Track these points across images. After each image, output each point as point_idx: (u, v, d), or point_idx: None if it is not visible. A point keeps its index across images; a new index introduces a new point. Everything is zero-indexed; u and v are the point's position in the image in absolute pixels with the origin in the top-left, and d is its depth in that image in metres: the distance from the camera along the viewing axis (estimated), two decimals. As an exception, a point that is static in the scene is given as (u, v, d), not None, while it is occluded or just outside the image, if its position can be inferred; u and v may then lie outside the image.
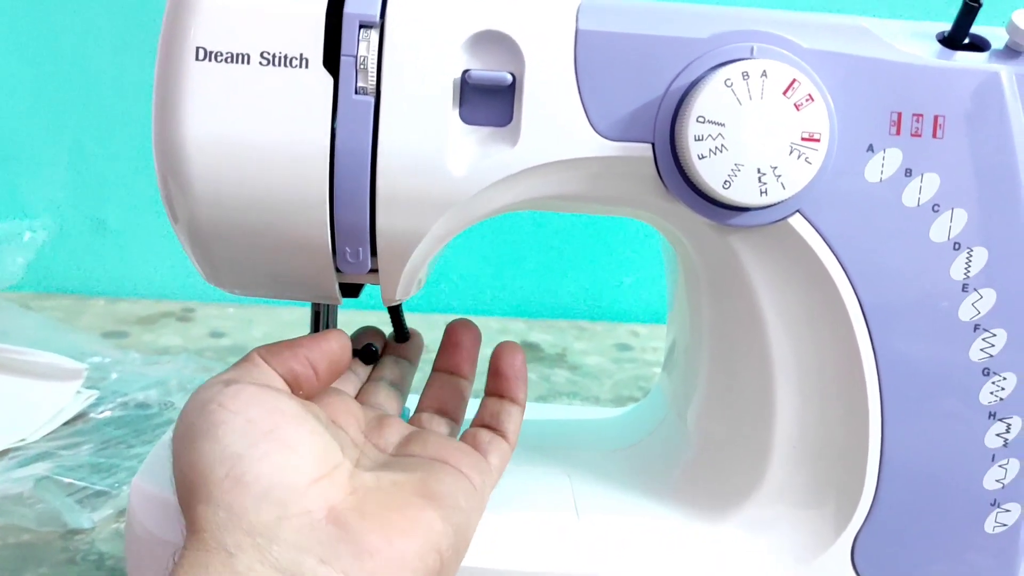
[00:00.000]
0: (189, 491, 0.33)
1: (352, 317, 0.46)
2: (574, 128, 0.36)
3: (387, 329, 0.46)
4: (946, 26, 0.38)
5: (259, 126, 0.34)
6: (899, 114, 0.37)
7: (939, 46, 0.38)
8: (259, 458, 0.32)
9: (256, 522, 0.31)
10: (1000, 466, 0.39)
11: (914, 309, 0.38)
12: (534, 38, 0.35)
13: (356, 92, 0.34)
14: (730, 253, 0.38)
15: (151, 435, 0.60)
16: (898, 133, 0.37)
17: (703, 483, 0.43)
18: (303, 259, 0.36)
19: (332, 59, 0.34)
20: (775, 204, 0.36)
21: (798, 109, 0.35)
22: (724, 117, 0.35)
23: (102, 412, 0.63)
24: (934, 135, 0.37)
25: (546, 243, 0.92)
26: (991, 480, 0.39)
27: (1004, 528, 0.39)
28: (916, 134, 0.37)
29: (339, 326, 0.42)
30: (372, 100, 0.35)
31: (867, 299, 0.38)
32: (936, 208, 0.37)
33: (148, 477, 0.41)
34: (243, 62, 0.34)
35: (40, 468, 0.55)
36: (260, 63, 0.34)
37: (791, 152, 0.35)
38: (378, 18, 0.35)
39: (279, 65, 0.34)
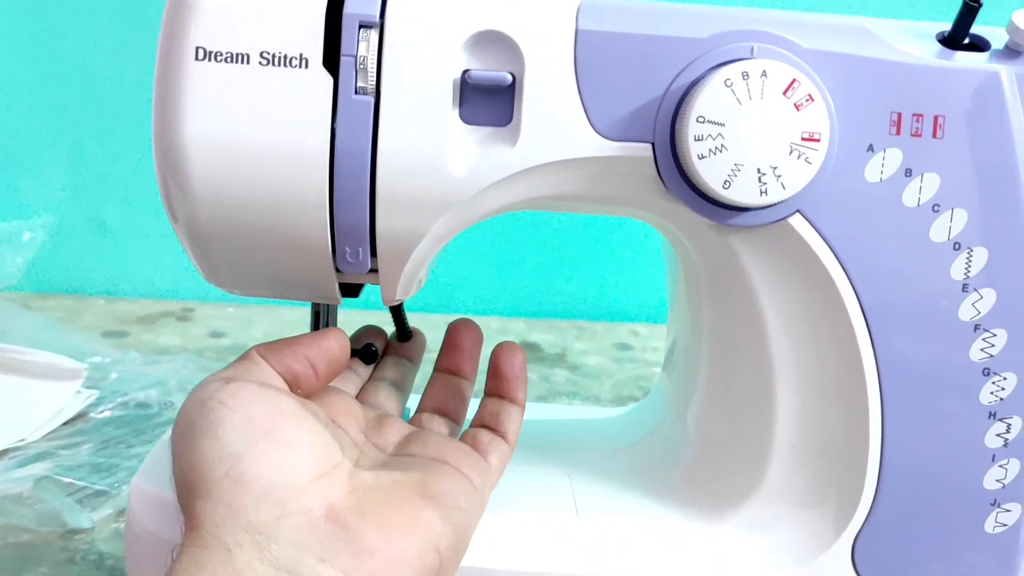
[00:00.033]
0: (188, 489, 0.33)
1: (352, 317, 0.46)
2: (574, 128, 0.36)
3: (389, 328, 0.46)
4: (946, 26, 0.38)
5: (259, 126, 0.34)
6: (899, 114, 0.37)
7: (939, 46, 0.38)
8: (258, 457, 0.32)
9: (255, 520, 0.31)
10: (1000, 466, 0.39)
11: (914, 309, 0.38)
12: (534, 38, 0.35)
13: (356, 92, 0.34)
14: (730, 253, 0.38)
15: (151, 435, 0.60)
16: (898, 133, 0.37)
17: (703, 483, 0.43)
18: (303, 259, 0.36)
19: (332, 59, 0.34)
20: (775, 204, 0.36)
21: (798, 109, 0.35)
22: (724, 117, 0.35)
23: (102, 412, 0.63)
24: (934, 135, 0.37)
25: (546, 243, 0.92)
26: (991, 480, 0.39)
27: (1004, 528, 0.39)
28: (916, 134, 0.37)
29: (339, 326, 0.42)
30: (372, 100, 0.35)
31: (867, 299, 0.38)
32: (936, 208, 0.37)
33: (148, 477, 0.41)
34: (243, 62, 0.34)
35: (40, 468, 0.55)
36: (260, 63, 0.34)
37: (791, 152, 0.35)
38: (378, 18, 0.34)
39: (279, 65, 0.34)
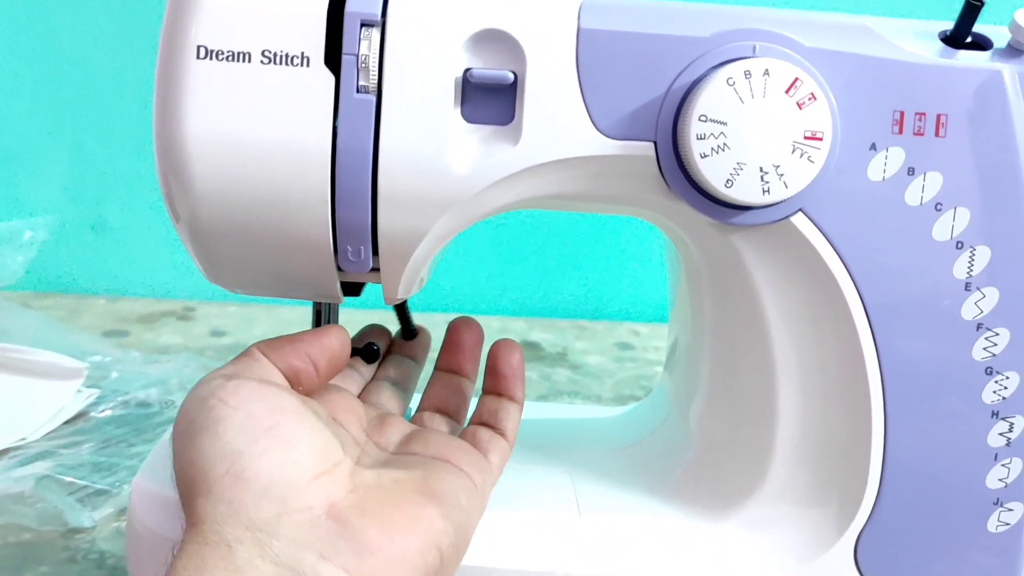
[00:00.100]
0: (189, 486, 0.33)
1: (353, 316, 0.46)
2: (576, 127, 0.36)
3: (392, 327, 0.46)
4: (948, 25, 0.38)
5: (260, 125, 0.34)
6: (902, 113, 0.37)
7: (942, 45, 0.38)
8: (259, 454, 0.32)
9: (256, 517, 0.31)
10: (1003, 465, 0.39)
11: (917, 308, 0.37)
12: (536, 37, 0.35)
13: (357, 91, 0.34)
14: (732, 252, 0.38)
15: (152, 434, 0.60)
16: (901, 132, 0.37)
17: (705, 482, 0.43)
18: (304, 258, 0.36)
19: (333, 58, 0.34)
20: (777, 203, 0.36)
21: (800, 108, 0.35)
22: (726, 116, 0.35)
23: (103, 411, 0.63)
24: (937, 134, 0.37)
25: (547, 242, 0.92)
26: (994, 479, 0.39)
27: (1007, 527, 0.39)
28: (919, 133, 0.37)
29: (340, 325, 0.42)
30: (373, 99, 0.34)
31: (869, 298, 0.38)
32: (939, 207, 0.37)
33: (149, 476, 0.41)
34: (244, 61, 0.34)
35: (41, 467, 0.55)
36: (261, 62, 0.34)
37: (793, 151, 0.35)
38: (379, 17, 0.34)
39: (280, 64, 0.34)
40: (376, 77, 0.34)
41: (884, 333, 0.38)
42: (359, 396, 0.43)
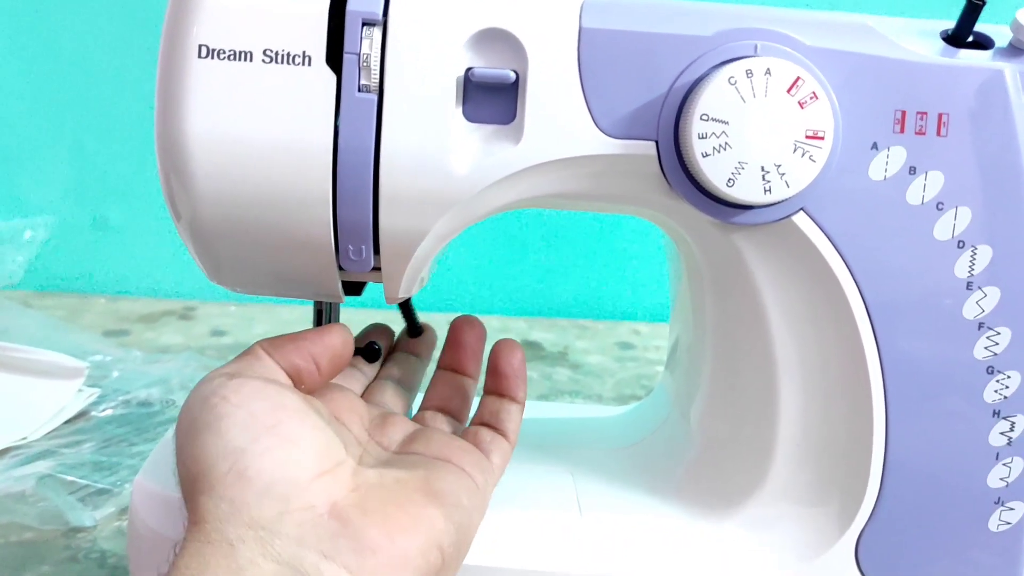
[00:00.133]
0: (192, 484, 0.33)
1: (354, 315, 0.46)
2: (577, 126, 0.36)
3: (395, 326, 0.46)
4: (950, 24, 0.38)
5: (262, 124, 0.34)
6: (903, 112, 0.37)
7: (943, 44, 0.38)
8: (261, 453, 0.32)
9: (258, 516, 0.31)
10: (1004, 464, 0.39)
11: (918, 307, 0.37)
12: (537, 36, 0.35)
13: (359, 90, 0.34)
14: (734, 251, 0.38)
15: (153, 433, 0.60)
16: (902, 131, 0.37)
17: (706, 481, 0.43)
18: (306, 257, 0.36)
19: (335, 57, 0.34)
20: (779, 202, 0.36)
21: (802, 107, 0.35)
22: (728, 115, 0.35)
23: (104, 410, 0.63)
24: (938, 133, 0.37)
25: (548, 241, 0.92)
26: (995, 478, 0.39)
27: (1008, 526, 0.39)
28: (920, 132, 0.37)
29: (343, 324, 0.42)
30: (375, 98, 0.34)
31: (871, 297, 0.38)
32: (940, 206, 0.37)
33: (151, 475, 0.41)
34: (246, 60, 0.34)
35: (42, 466, 0.55)
36: (263, 61, 0.34)
37: (795, 150, 0.35)
38: (381, 16, 0.34)
39: (282, 63, 0.34)
40: (377, 76, 0.34)
41: (885, 332, 0.38)
42: (362, 394, 0.43)
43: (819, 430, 0.40)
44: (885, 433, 0.38)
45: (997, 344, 0.38)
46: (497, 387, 0.41)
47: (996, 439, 0.38)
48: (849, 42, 0.37)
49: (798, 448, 0.40)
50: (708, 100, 0.35)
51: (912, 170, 0.37)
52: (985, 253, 0.37)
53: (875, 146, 0.37)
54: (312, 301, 0.43)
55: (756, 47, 0.36)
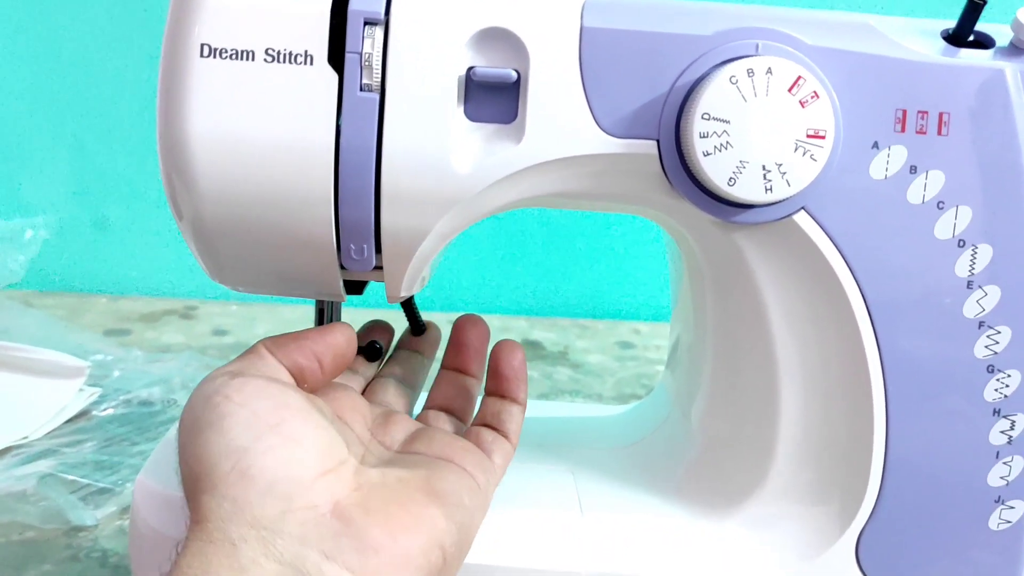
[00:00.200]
0: (194, 482, 0.33)
1: (356, 315, 0.46)
2: (579, 125, 0.36)
3: (394, 324, 0.46)
4: (951, 23, 0.38)
5: (264, 123, 0.34)
6: (904, 111, 0.37)
7: (944, 43, 0.38)
8: (264, 451, 0.32)
9: (261, 515, 0.31)
10: (1004, 463, 0.39)
11: (919, 306, 0.38)
12: (539, 35, 0.35)
13: (361, 89, 0.34)
14: (735, 250, 0.38)
15: (154, 432, 0.60)
16: (903, 130, 0.37)
17: (707, 480, 0.43)
18: (308, 256, 0.36)
19: (337, 56, 0.34)
20: (780, 201, 0.36)
21: (803, 106, 0.35)
22: (729, 114, 0.35)
23: (105, 410, 0.63)
24: (939, 132, 0.37)
25: (548, 240, 0.92)
26: (995, 477, 0.39)
27: (1008, 525, 0.39)
28: (921, 131, 0.37)
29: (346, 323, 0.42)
30: (377, 97, 0.35)
31: (872, 296, 0.38)
32: (941, 205, 0.37)
33: (152, 474, 0.41)
34: (248, 59, 0.34)
35: (43, 465, 0.55)
36: (265, 60, 0.34)
37: (796, 149, 0.35)
38: (383, 15, 0.34)
39: (284, 62, 0.34)
40: (379, 75, 0.35)
41: (886, 331, 0.38)
42: (364, 392, 0.43)
43: (820, 429, 0.40)
44: (885, 432, 0.38)
45: (997, 343, 0.38)
46: (498, 388, 0.41)
47: (996, 438, 0.38)
48: (850, 41, 0.37)
49: (799, 447, 0.40)
50: (709, 99, 0.35)
51: (913, 169, 0.37)
52: (985, 252, 0.37)
53: (876, 145, 0.37)
54: (314, 300, 0.43)
55: (757, 46, 0.36)
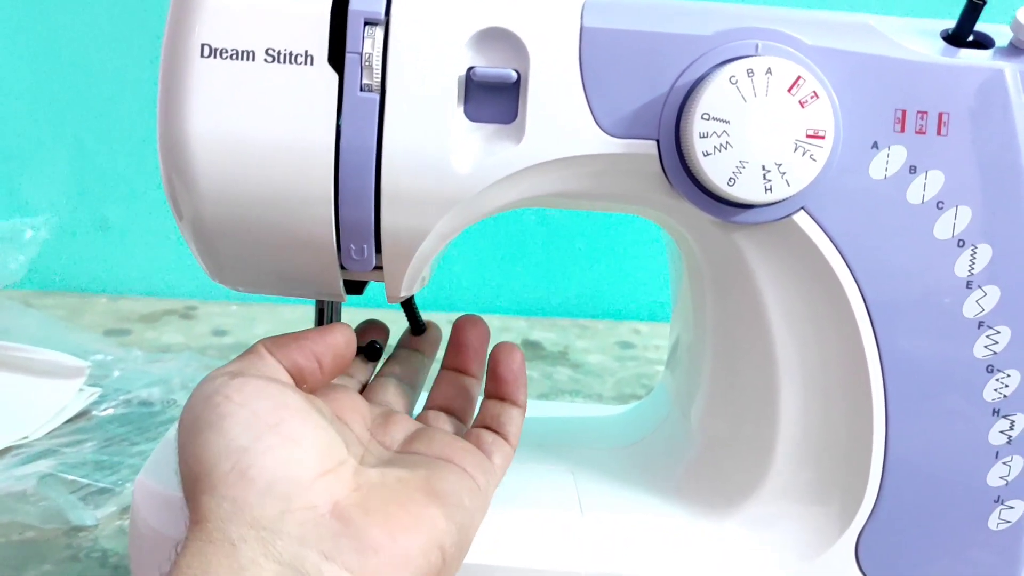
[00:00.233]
0: (194, 482, 0.33)
1: (356, 315, 0.46)
2: (579, 125, 0.36)
3: (394, 323, 0.46)
4: (950, 23, 0.38)
5: (264, 123, 0.34)
6: (904, 111, 0.37)
7: (943, 43, 0.38)
8: (264, 452, 0.32)
9: (260, 515, 0.31)
10: (1004, 463, 0.39)
11: (918, 306, 0.38)
12: (539, 35, 0.35)
13: (361, 89, 0.34)
14: (734, 250, 0.38)
15: (154, 432, 0.60)
16: (903, 130, 0.37)
17: (707, 480, 0.43)
18: (308, 256, 0.36)
19: (337, 56, 0.34)
20: (780, 201, 0.36)
21: (803, 106, 0.35)
22: (729, 114, 0.35)
23: (105, 410, 0.63)
24: (939, 132, 0.37)
25: (548, 240, 0.92)
26: (995, 477, 0.39)
27: (1008, 525, 0.39)
28: (921, 131, 0.37)
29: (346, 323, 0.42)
30: (377, 97, 0.35)
31: (871, 296, 0.38)
32: (940, 205, 0.37)
33: (152, 474, 0.41)
34: (248, 59, 0.34)
35: (43, 465, 0.55)
36: (265, 60, 0.34)
37: (796, 149, 0.35)
38: (383, 15, 0.35)
39: (284, 62, 0.34)
40: (379, 75, 0.35)
41: (886, 331, 0.38)
42: (365, 391, 0.43)
43: (819, 429, 0.40)
44: (885, 432, 0.39)
45: (997, 343, 0.38)
46: (498, 391, 0.41)
47: (996, 438, 0.38)
48: (850, 41, 0.37)
49: (798, 447, 0.40)
50: (709, 99, 0.35)
51: (912, 169, 0.37)
52: (985, 252, 0.37)
53: (875, 145, 0.37)
54: (314, 300, 0.43)
55: (757, 46, 0.36)
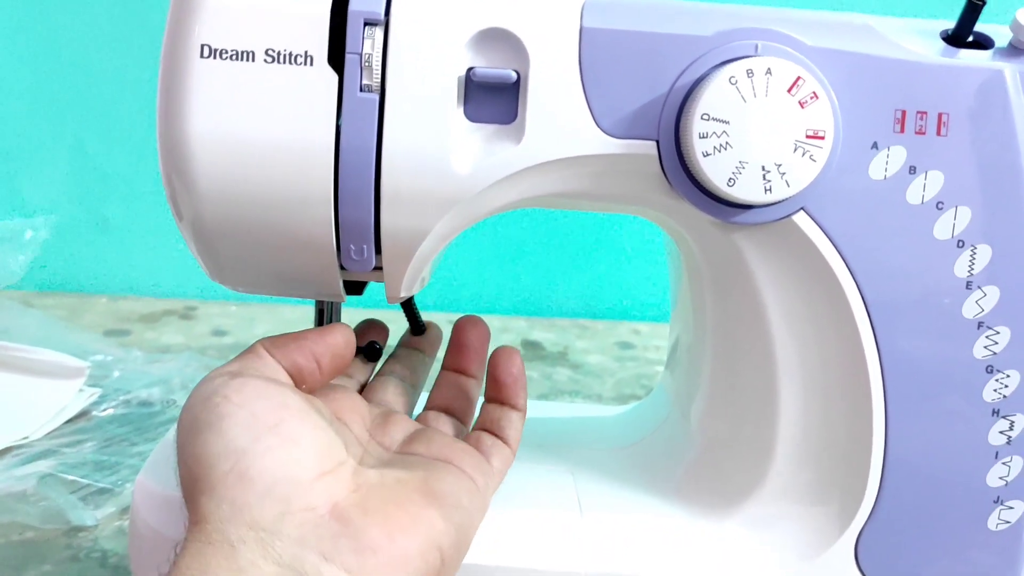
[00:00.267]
0: (193, 483, 0.33)
1: (356, 315, 0.46)
2: (578, 126, 0.36)
3: (393, 323, 0.46)
4: (950, 24, 0.38)
5: (264, 123, 0.34)
6: (903, 112, 0.37)
7: (943, 44, 0.38)
8: (263, 452, 0.32)
9: (259, 517, 0.31)
10: (1003, 463, 0.39)
11: (918, 306, 0.38)
12: (539, 36, 0.35)
13: (361, 89, 0.34)
14: (734, 250, 0.38)
15: (154, 433, 0.60)
16: (902, 131, 0.37)
17: (706, 481, 0.43)
18: (308, 256, 0.36)
19: (337, 56, 0.34)
20: (779, 202, 0.36)
21: (802, 107, 0.35)
22: (729, 114, 0.35)
23: (105, 410, 0.63)
24: (938, 133, 0.37)
25: (548, 241, 0.92)
26: (994, 477, 0.39)
27: (1007, 525, 0.39)
28: (920, 132, 0.37)
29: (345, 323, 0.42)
30: (377, 97, 0.35)
31: (871, 296, 0.38)
32: (940, 206, 0.37)
33: (152, 475, 0.41)
34: (248, 59, 0.34)
35: (43, 466, 0.55)
36: (265, 60, 0.34)
37: (795, 149, 0.35)
38: (383, 15, 0.35)
39: (284, 62, 0.34)
40: (379, 76, 0.35)
41: (885, 331, 0.38)
42: (365, 390, 0.43)
43: (819, 429, 0.40)
44: (885, 432, 0.39)
45: (996, 343, 0.38)
46: (497, 395, 0.41)
47: (995, 438, 0.38)
48: (849, 42, 0.37)
49: (798, 447, 0.40)
50: (709, 100, 0.35)
51: (912, 170, 0.37)
52: (984, 252, 0.37)
53: (875, 146, 0.37)
54: (313, 301, 0.43)
55: (757, 47, 0.36)
